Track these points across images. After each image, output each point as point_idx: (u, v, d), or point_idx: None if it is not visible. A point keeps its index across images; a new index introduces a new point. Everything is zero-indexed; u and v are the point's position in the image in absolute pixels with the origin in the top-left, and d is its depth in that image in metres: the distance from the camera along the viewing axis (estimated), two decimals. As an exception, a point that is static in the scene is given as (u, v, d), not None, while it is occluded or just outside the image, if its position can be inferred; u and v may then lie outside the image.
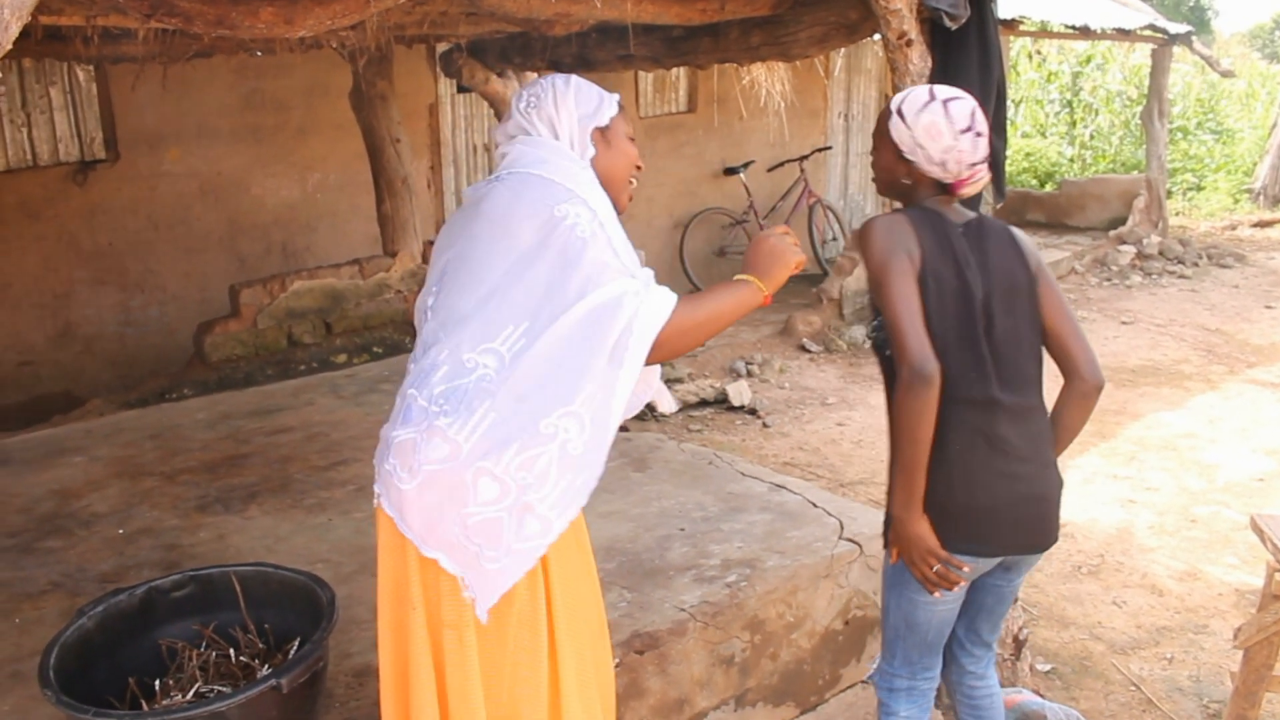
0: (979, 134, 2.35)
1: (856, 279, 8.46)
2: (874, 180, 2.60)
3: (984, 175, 2.41)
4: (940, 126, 2.34)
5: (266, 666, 2.64)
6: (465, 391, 2.01)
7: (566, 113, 2.26)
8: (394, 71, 7.13)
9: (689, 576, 3.27)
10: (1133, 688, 3.69)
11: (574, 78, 2.33)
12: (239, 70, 7.42)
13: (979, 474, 2.32)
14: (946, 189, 2.42)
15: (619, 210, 2.28)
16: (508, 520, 2.01)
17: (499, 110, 5.93)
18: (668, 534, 3.59)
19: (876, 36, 3.50)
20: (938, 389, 2.18)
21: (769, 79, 7.55)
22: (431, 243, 7.06)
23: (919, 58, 3.34)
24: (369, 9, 2.67)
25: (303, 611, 2.70)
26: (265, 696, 2.27)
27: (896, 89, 3.42)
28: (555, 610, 2.13)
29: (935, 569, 2.33)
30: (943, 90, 2.41)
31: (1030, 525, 2.40)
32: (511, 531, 2.02)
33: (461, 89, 6.23)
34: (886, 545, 2.49)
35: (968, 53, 3.32)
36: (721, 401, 6.66)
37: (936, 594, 2.38)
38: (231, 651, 2.69)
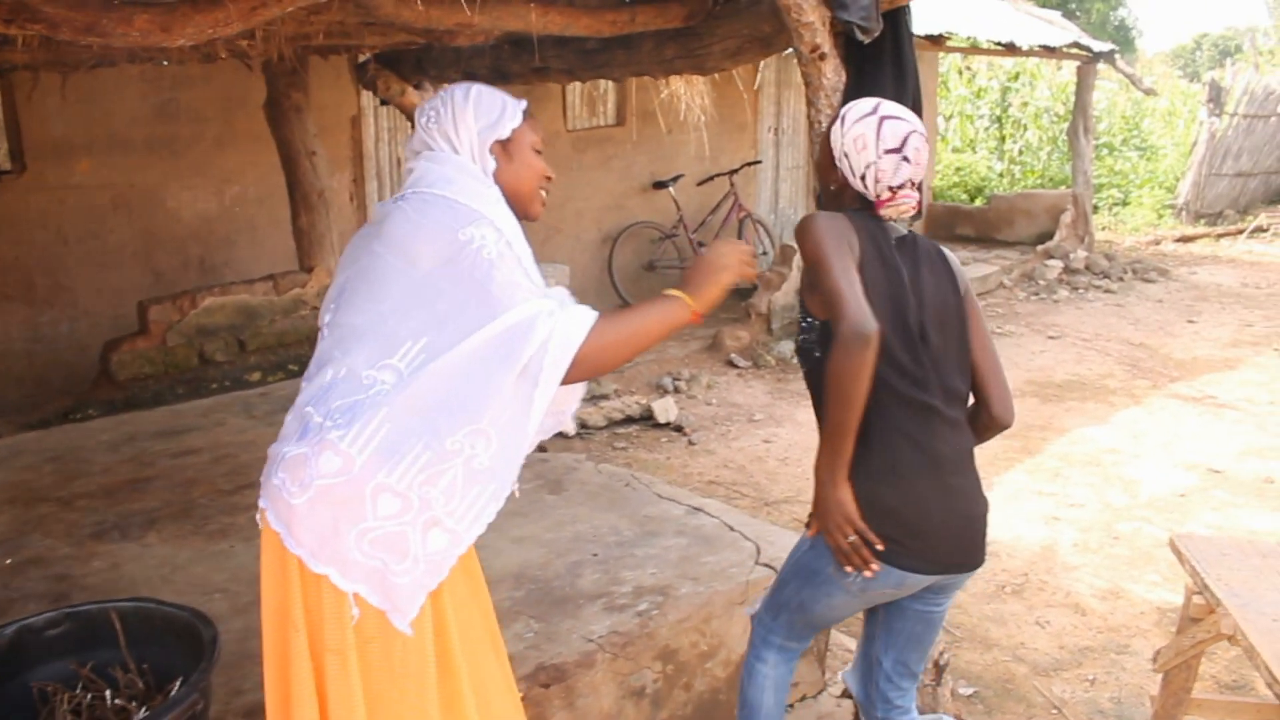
0: (905, 159, 2.30)
1: (785, 294, 8.43)
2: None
3: (907, 202, 2.34)
4: (867, 140, 2.30)
5: (144, 709, 2.49)
6: (361, 406, 1.96)
7: (465, 126, 2.18)
8: (315, 83, 6.97)
9: (599, 605, 3.16)
10: (1054, 710, 3.65)
11: (476, 87, 2.25)
12: (153, 80, 7.21)
13: (917, 486, 2.25)
14: (870, 206, 2.36)
15: (530, 218, 2.25)
16: (412, 534, 1.96)
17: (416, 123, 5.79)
18: (580, 560, 3.48)
19: (792, 50, 3.42)
20: (875, 352, 2.09)
21: (689, 92, 7.51)
22: (351, 258, 6.91)
23: (833, 71, 3.28)
24: (254, 18, 2.55)
25: (187, 649, 2.56)
26: (134, 745, 2.13)
27: (810, 103, 3.37)
28: (448, 632, 2.07)
29: (850, 539, 2.22)
30: (889, 107, 2.37)
31: (963, 543, 2.34)
32: (417, 544, 1.97)
33: (384, 101, 6.10)
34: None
35: (882, 67, 3.27)
36: (647, 418, 6.57)
37: (848, 569, 2.26)
38: (108, 693, 2.53)
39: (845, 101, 3.18)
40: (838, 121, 2.39)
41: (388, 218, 2.10)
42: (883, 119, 2.32)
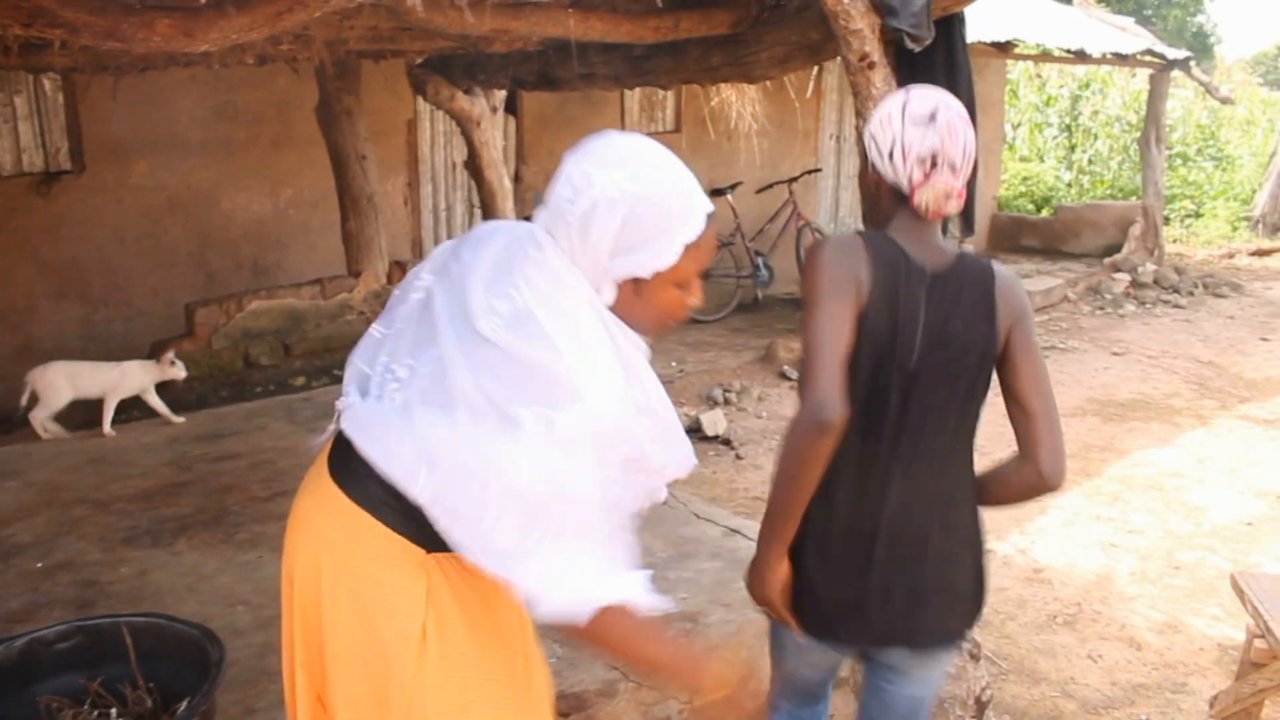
0: (934, 127, 1.98)
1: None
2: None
3: (944, 184, 1.98)
4: (893, 114, 2.01)
5: (149, 729, 2.44)
6: None
7: (595, 244, 1.60)
8: (370, 86, 6.96)
9: (625, 631, 3.06)
10: (1104, 751, 3.48)
11: (641, 191, 1.59)
12: (210, 82, 7.25)
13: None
14: (907, 202, 2.03)
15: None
16: None
17: (465, 127, 5.74)
18: (609, 582, 3.38)
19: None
20: (834, 441, 1.85)
21: (740, 100, 7.38)
22: (399, 263, 6.87)
23: (882, 81, 3.16)
24: (281, 23, 2.48)
25: (197, 668, 2.51)
26: (131, 769, 2.07)
27: (859, 114, 3.25)
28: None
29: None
30: (923, 88, 2.06)
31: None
32: None
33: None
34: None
35: (934, 77, 3.13)
36: (695, 430, 6.45)
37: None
38: (113, 711, 2.48)
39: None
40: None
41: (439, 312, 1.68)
42: (911, 94, 2.03)
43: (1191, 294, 10.83)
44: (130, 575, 3.65)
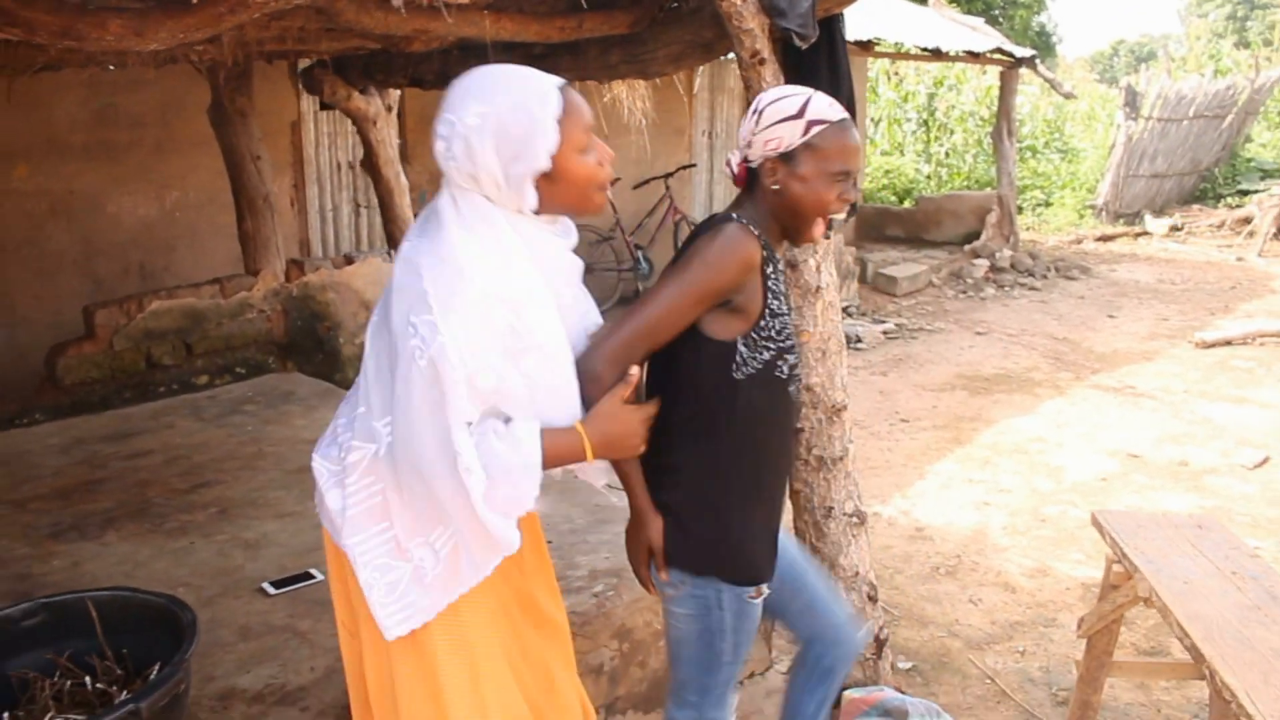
0: (769, 124, 2.23)
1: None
2: None
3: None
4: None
5: (125, 693, 2.57)
6: (368, 456, 1.94)
7: (486, 168, 1.79)
8: (256, 89, 7.00)
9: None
10: (988, 680, 3.85)
11: (493, 101, 1.79)
12: (91, 85, 7.19)
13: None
14: None
15: (594, 213, 1.98)
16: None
17: (361, 127, 5.88)
18: (537, 546, 3.61)
19: (732, 55, 3.58)
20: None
21: (630, 96, 7.66)
22: (296, 261, 6.95)
23: (772, 76, 3.44)
24: (224, 23, 2.64)
25: (163, 635, 2.63)
26: (124, 722, 2.22)
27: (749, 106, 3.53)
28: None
29: None
30: (808, 93, 2.30)
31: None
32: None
33: (324, 106, 6.16)
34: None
35: (817, 72, 3.44)
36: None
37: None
38: (88, 679, 2.61)
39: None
40: None
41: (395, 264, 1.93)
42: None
43: (1045, 277, 11.53)
44: (63, 567, 3.71)
